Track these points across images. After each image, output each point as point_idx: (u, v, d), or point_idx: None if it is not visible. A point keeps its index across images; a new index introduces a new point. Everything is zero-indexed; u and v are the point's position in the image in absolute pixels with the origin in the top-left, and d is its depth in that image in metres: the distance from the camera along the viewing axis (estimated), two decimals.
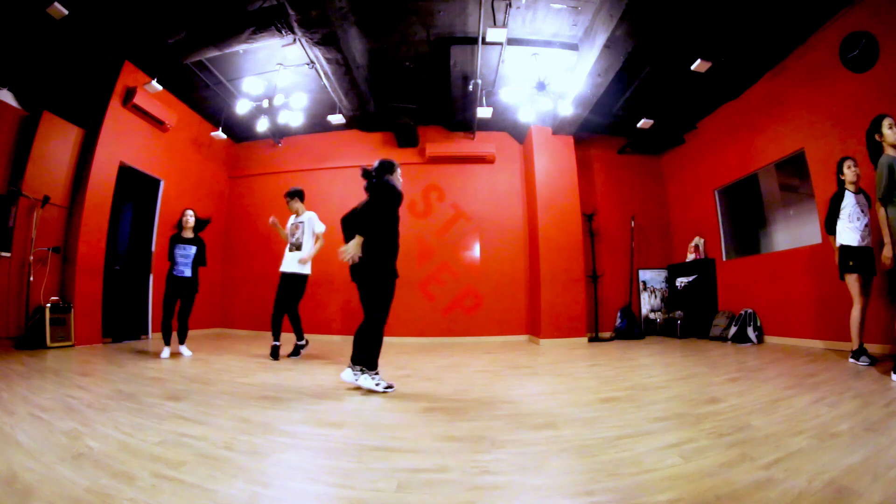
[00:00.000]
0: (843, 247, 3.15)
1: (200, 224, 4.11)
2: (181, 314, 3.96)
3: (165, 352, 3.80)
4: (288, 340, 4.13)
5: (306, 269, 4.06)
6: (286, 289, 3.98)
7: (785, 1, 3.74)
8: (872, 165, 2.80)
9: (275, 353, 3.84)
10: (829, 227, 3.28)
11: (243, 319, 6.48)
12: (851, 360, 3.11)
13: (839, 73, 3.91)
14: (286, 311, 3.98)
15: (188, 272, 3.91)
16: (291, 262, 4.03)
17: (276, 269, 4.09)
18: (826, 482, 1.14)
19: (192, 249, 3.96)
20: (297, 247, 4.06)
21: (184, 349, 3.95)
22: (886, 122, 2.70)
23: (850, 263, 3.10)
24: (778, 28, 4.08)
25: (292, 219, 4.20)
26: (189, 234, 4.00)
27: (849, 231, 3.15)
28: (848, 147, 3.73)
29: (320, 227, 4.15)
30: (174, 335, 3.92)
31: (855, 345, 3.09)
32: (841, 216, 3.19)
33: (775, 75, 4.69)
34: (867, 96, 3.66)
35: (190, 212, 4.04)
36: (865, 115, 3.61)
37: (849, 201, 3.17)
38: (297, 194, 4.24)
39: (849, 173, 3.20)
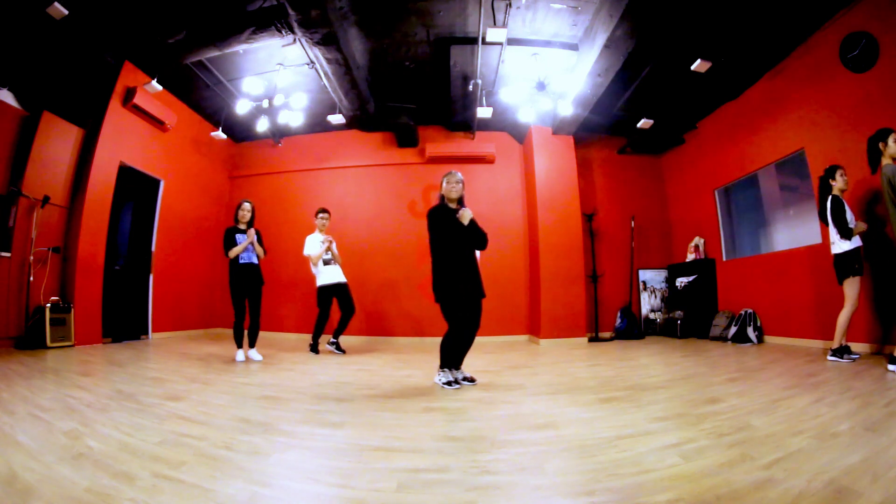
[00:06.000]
0: (854, 250, 3.17)
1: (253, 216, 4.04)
2: (253, 312, 3.85)
3: (240, 354, 3.73)
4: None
5: None
6: (347, 296, 4.40)
7: (785, 1, 3.74)
8: (870, 169, 3.05)
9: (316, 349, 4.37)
10: (847, 231, 3.18)
11: None
12: (832, 358, 3.19)
13: (839, 73, 3.90)
14: (351, 314, 4.41)
15: (255, 259, 3.89)
16: (341, 274, 4.43)
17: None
18: (826, 482, 1.14)
19: (255, 237, 3.91)
20: (337, 260, 4.44)
21: (254, 353, 3.78)
22: (892, 137, 2.91)
23: (856, 266, 3.15)
24: (778, 28, 4.08)
25: (324, 236, 4.43)
26: (243, 226, 3.90)
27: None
28: (848, 147, 3.74)
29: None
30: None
31: (836, 344, 3.20)
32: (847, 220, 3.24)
33: (775, 75, 4.68)
34: (867, 96, 3.66)
35: (247, 204, 3.93)
36: (865, 115, 3.64)
37: (847, 207, 3.25)
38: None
39: (840, 181, 3.29)
